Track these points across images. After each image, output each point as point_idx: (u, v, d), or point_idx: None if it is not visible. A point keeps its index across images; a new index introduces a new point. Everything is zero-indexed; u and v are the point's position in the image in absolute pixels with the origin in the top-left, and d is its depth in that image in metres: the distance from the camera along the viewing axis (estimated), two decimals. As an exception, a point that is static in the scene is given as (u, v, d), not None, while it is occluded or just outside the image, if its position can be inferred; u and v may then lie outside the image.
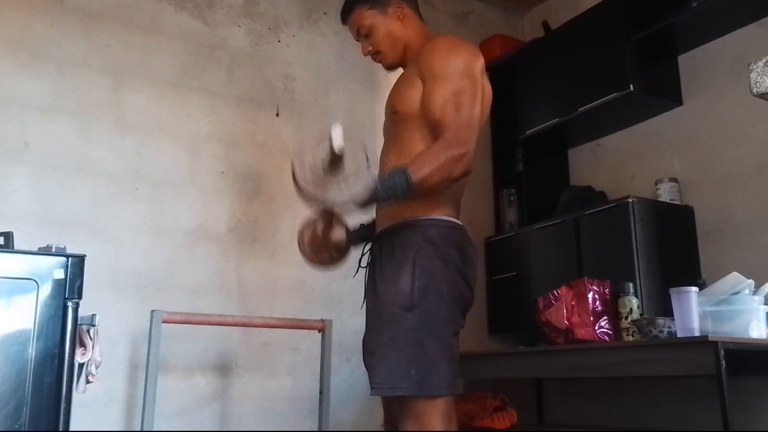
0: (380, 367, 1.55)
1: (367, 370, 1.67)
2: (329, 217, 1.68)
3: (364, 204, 1.47)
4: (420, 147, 1.62)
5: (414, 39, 1.80)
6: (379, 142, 1.81)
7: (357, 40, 1.88)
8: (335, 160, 1.39)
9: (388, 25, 1.80)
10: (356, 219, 1.82)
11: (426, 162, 1.51)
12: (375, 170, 1.43)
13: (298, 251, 1.80)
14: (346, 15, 1.86)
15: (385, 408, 1.77)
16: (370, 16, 1.80)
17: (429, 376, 1.50)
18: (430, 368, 1.51)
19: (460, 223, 1.68)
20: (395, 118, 1.72)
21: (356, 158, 1.42)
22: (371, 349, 1.61)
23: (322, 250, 1.76)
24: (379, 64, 1.88)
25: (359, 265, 1.81)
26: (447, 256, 1.59)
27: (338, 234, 1.75)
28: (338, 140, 1.34)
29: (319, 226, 1.72)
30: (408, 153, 1.63)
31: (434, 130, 1.59)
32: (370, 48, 1.84)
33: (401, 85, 1.75)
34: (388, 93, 1.81)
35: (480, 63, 1.67)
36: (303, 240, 1.77)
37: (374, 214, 1.81)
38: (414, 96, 1.66)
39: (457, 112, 1.56)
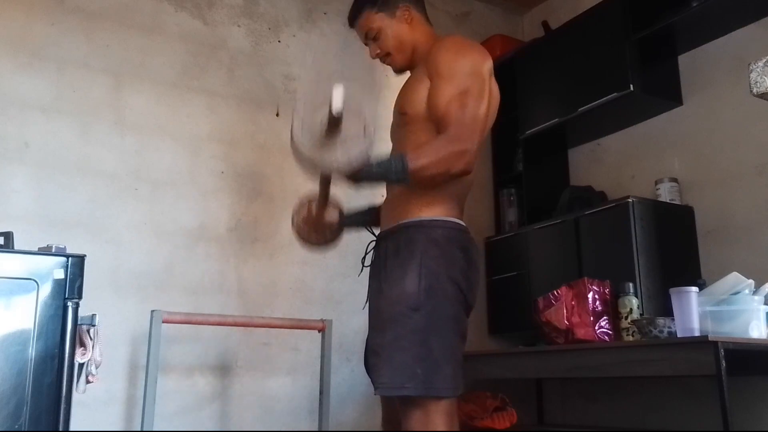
0: (385, 366, 1.55)
1: (368, 370, 1.67)
2: (325, 195, 1.69)
3: (356, 174, 1.48)
4: None
5: (422, 41, 1.80)
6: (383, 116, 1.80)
7: (365, 44, 1.87)
8: (334, 123, 1.35)
9: (396, 28, 1.80)
10: (352, 202, 1.85)
11: (425, 153, 1.53)
12: (372, 140, 1.40)
13: (295, 236, 1.83)
14: (354, 18, 1.85)
15: (385, 407, 1.77)
16: (378, 20, 1.80)
17: (434, 377, 1.51)
18: (435, 369, 1.51)
19: (463, 224, 1.68)
20: (403, 120, 1.72)
21: (355, 126, 1.40)
22: (376, 349, 1.60)
23: (315, 229, 1.81)
24: (387, 66, 1.87)
25: (362, 265, 1.81)
26: (451, 258, 1.60)
27: (332, 215, 1.79)
28: (338, 103, 1.30)
29: (314, 205, 1.76)
30: None
31: (438, 126, 1.60)
32: (379, 51, 1.83)
33: (410, 86, 1.75)
34: (396, 94, 1.81)
35: (488, 64, 1.68)
36: (298, 217, 1.81)
37: (377, 202, 1.83)
38: (422, 97, 1.66)
39: (462, 110, 1.57)
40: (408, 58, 1.82)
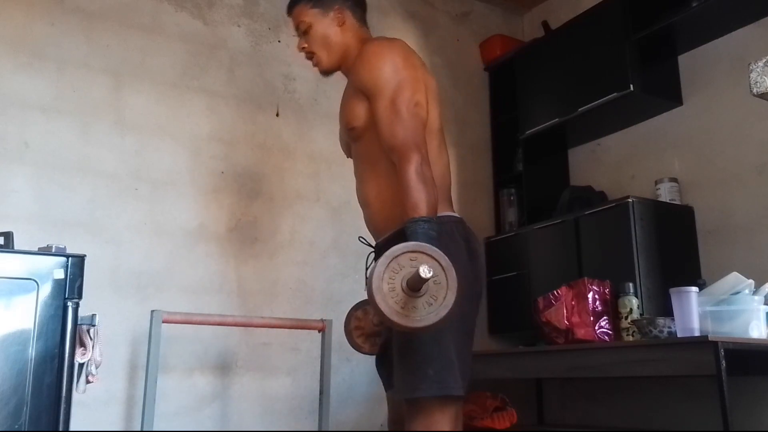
0: (398, 370, 1.55)
1: (381, 375, 1.68)
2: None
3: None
4: (386, 159, 1.64)
5: (354, 46, 1.80)
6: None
7: (297, 36, 1.89)
8: (420, 284, 1.36)
9: (326, 27, 1.81)
10: None
11: (410, 194, 1.53)
12: (454, 285, 1.40)
13: (346, 338, 1.88)
14: (290, 7, 1.87)
15: (391, 407, 1.77)
16: (311, 15, 1.81)
17: (445, 376, 1.51)
18: (445, 368, 1.51)
19: (458, 215, 1.68)
20: (353, 134, 1.75)
21: (433, 290, 1.39)
22: (386, 353, 1.61)
23: (366, 339, 1.84)
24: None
25: (366, 278, 1.81)
26: (454, 252, 1.59)
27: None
28: (428, 274, 1.32)
29: (362, 314, 1.82)
30: (382, 170, 1.67)
31: (385, 148, 1.63)
32: (305, 46, 1.85)
33: (348, 100, 1.76)
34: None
35: (401, 56, 1.68)
36: (352, 334, 1.85)
37: None
38: (362, 110, 1.68)
39: (398, 119, 1.59)
40: (336, 60, 1.82)
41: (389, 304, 1.35)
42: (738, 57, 2.81)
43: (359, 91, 1.69)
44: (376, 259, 1.75)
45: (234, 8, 3.17)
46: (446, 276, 1.39)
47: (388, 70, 1.64)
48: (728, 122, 2.84)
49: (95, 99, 2.76)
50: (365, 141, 1.71)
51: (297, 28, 1.86)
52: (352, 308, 1.93)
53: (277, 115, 3.16)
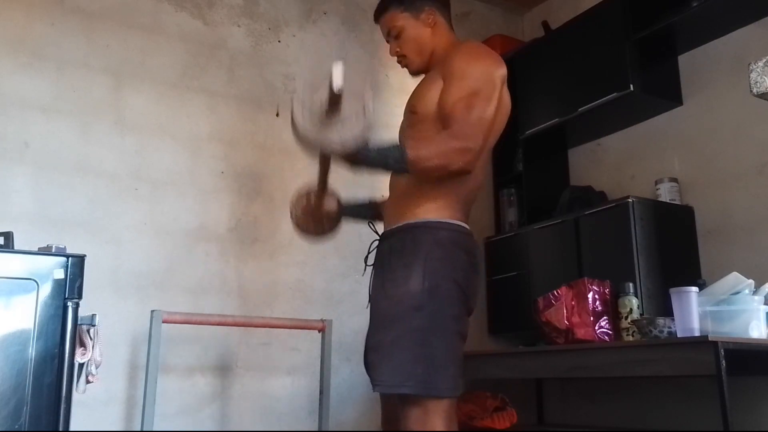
0: (385, 364, 1.55)
1: (367, 367, 1.68)
2: (323, 183, 1.73)
3: (354, 156, 1.49)
4: None
5: (441, 47, 1.81)
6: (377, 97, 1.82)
7: (387, 41, 1.90)
8: (334, 101, 1.36)
9: (418, 30, 1.82)
10: (350, 192, 1.89)
11: (426, 144, 1.55)
12: (371, 120, 1.42)
13: (294, 227, 1.91)
14: (380, 14, 1.88)
15: (384, 406, 1.78)
16: (402, 19, 1.82)
17: (434, 377, 1.51)
18: (435, 369, 1.52)
19: (468, 228, 1.69)
20: (413, 119, 1.74)
21: (355, 106, 1.40)
22: (376, 347, 1.61)
23: (313, 219, 1.85)
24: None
25: (365, 264, 1.82)
26: (456, 259, 1.60)
27: (330, 204, 1.83)
28: (338, 79, 1.30)
29: (313, 195, 1.80)
30: None
31: (444, 123, 1.61)
32: (398, 50, 1.86)
33: (423, 86, 1.76)
34: (400, 95, 1.82)
35: (501, 72, 1.68)
36: (296, 208, 1.86)
37: (376, 197, 1.86)
38: (433, 97, 1.67)
39: (468, 110, 1.58)
40: (425, 61, 1.83)
41: (304, 112, 1.36)
42: (738, 57, 2.81)
43: (441, 78, 1.68)
44: (379, 247, 1.76)
45: (234, 8, 3.17)
46: (364, 122, 1.38)
47: (480, 71, 1.64)
48: (728, 122, 2.84)
49: (95, 99, 2.76)
50: (419, 129, 1.70)
51: (388, 33, 1.87)
52: (296, 194, 1.91)
53: (277, 115, 3.16)
